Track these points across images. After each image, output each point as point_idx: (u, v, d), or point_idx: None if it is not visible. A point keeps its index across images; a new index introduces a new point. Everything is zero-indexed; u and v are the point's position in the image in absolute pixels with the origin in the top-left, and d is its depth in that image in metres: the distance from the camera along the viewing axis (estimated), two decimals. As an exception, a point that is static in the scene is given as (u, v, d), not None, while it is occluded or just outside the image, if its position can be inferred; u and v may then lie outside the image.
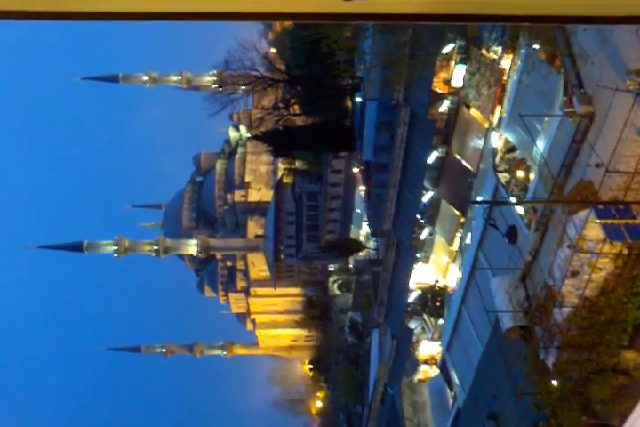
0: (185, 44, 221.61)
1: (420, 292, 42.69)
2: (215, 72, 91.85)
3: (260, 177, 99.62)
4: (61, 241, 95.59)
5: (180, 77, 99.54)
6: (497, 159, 27.92)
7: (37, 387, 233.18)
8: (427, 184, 38.60)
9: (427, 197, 39.42)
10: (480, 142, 31.32)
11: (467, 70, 31.92)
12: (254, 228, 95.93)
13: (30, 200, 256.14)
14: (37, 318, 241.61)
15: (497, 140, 28.15)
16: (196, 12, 2.78)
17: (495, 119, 28.52)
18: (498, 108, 28.24)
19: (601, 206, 18.40)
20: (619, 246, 19.33)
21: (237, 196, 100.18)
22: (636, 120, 17.67)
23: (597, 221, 18.33)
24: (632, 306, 19.64)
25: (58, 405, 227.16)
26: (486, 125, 30.27)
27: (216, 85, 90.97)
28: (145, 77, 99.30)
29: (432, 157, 36.90)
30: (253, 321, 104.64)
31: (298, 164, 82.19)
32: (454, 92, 33.84)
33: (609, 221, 18.02)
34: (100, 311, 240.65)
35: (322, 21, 2.89)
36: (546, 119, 22.82)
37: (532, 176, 24.86)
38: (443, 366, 37.92)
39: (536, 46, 23.28)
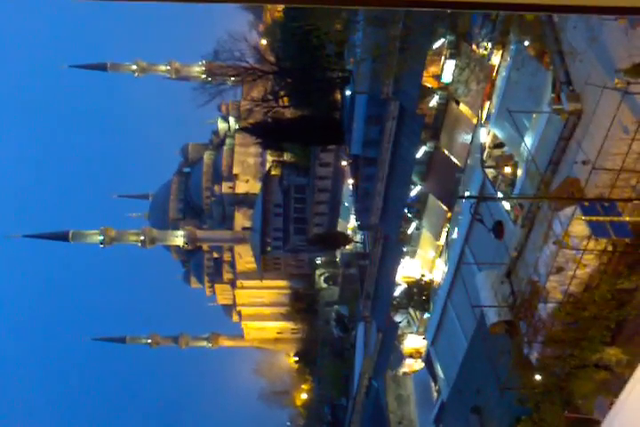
0: (174, 34, 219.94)
1: (406, 286, 42.84)
2: (204, 62, 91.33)
3: (248, 169, 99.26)
4: (47, 230, 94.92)
5: (168, 67, 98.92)
6: (485, 155, 28.00)
7: (20, 376, 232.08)
8: (415, 179, 38.67)
9: (414, 191, 39.51)
10: (468, 138, 31.41)
11: (456, 66, 31.94)
12: (241, 220, 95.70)
13: (15, 189, 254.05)
14: (21, 308, 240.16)
15: (485, 136, 28.23)
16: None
17: (484, 115, 28.59)
18: (487, 104, 28.30)
19: (587, 203, 18.53)
20: (603, 243, 19.50)
21: (225, 187, 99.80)
22: (622, 118, 17.78)
23: (583, 217, 18.47)
24: (615, 303, 19.83)
25: (42, 394, 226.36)
26: (475, 121, 30.34)
27: (205, 76, 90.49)
28: (134, 66, 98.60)
29: (420, 152, 36.96)
30: (239, 313, 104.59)
31: (286, 156, 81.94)
32: (444, 87, 33.86)
33: (594, 218, 18.15)
34: (85, 301, 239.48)
35: (312, 5, 2.86)
36: (534, 116, 22.91)
37: (519, 172, 24.98)
38: (427, 360, 38.13)
39: (526, 43, 23.33)
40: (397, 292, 43.14)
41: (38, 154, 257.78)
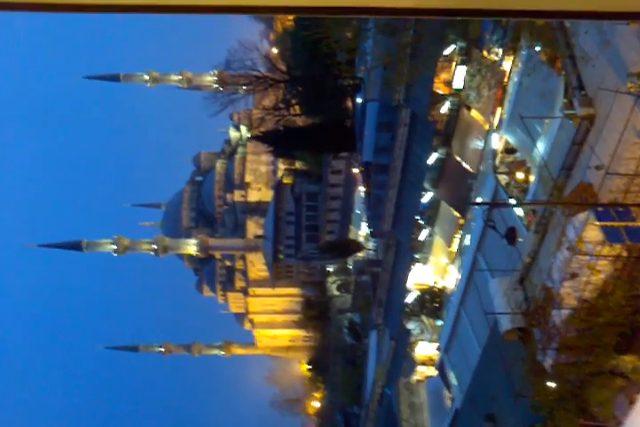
0: (186, 44, 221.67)
1: (418, 293, 42.66)
2: (216, 72, 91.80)
3: (260, 177, 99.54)
4: (61, 240, 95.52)
5: (180, 77, 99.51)
6: (497, 161, 27.93)
7: (34, 385, 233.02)
8: (426, 185, 38.59)
9: (426, 198, 39.41)
10: (480, 144, 31.33)
11: (467, 72, 31.93)
12: (254, 228, 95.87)
13: (30, 198, 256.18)
14: (36, 317, 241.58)
15: (497, 142, 28.17)
16: (185, 5, 2.78)
17: (495, 121, 28.53)
18: (498, 110, 28.25)
19: (600, 209, 18.41)
20: (618, 249, 19.33)
21: (237, 195, 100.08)
22: (636, 122, 17.68)
23: (597, 223, 18.35)
24: (630, 309, 19.64)
25: (55, 403, 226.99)
26: (487, 127, 30.28)
27: (217, 85, 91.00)
28: (146, 77, 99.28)
29: (432, 159, 36.90)
30: (251, 321, 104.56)
31: (298, 164, 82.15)
32: (455, 93, 33.85)
33: (608, 224, 18.03)
34: (99, 310, 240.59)
35: (315, 15, 2.89)
36: (546, 121, 22.83)
37: (531, 178, 24.88)
38: (440, 368, 37.91)
39: (537, 48, 23.29)
40: (410, 299, 42.96)
41: (52, 163, 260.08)
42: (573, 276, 20.23)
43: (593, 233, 19.02)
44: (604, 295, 20.07)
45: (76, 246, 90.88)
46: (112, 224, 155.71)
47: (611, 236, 18.19)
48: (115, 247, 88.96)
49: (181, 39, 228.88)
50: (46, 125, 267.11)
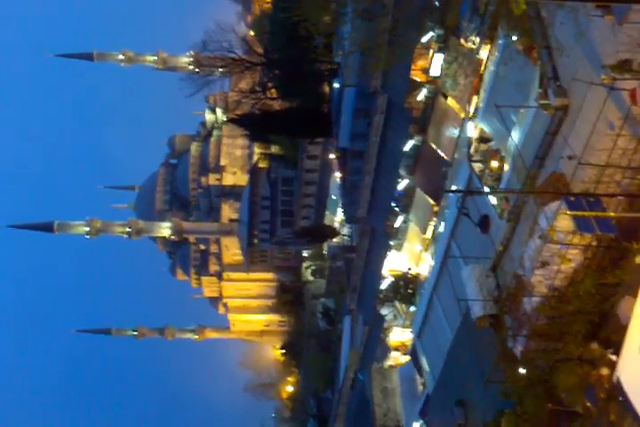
0: (162, 24, 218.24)
1: (392, 279, 42.93)
2: (192, 53, 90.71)
3: (236, 161, 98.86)
4: (32, 221, 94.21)
5: (156, 57, 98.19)
6: (472, 149, 28.06)
7: (2, 369, 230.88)
8: (402, 172, 38.69)
9: (402, 185, 39.53)
10: (456, 132, 31.44)
11: (445, 59, 31.92)
12: (228, 211, 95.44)
13: (0, 178, 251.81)
14: (5, 299, 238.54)
15: (472, 130, 28.28)
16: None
17: (471, 109, 28.62)
18: (474, 99, 28.33)
19: (572, 198, 18.63)
20: (588, 238, 19.63)
21: (212, 179, 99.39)
22: (608, 114, 17.87)
23: (568, 212, 18.57)
24: (599, 297, 20.00)
25: (24, 387, 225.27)
26: (462, 115, 30.37)
27: (192, 67, 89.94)
28: (120, 56, 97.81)
29: (408, 146, 36.96)
30: (225, 305, 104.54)
31: (274, 148, 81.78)
32: (432, 80, 33.84)
33: (579, 213, 18.26)
34: (70, 293, 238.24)
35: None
36: (521, 110, 22.97)
37: (505, 167, 25.06)
38: (413, 353, 38.31)
39: (514, 37, 23.34)
40: (384, 285, 43.22)
41: (23, 144, 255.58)
42: (544, 264, 20.51)
43: (564, 222, 19.27)
44: (574, 284, 20.40)
45: (46, 228, 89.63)
46: (84, 206, 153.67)
47: (581, 225, 18.44)
48: (87, 229, 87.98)
49: (157, 19, 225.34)
50: (17, 105, 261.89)
